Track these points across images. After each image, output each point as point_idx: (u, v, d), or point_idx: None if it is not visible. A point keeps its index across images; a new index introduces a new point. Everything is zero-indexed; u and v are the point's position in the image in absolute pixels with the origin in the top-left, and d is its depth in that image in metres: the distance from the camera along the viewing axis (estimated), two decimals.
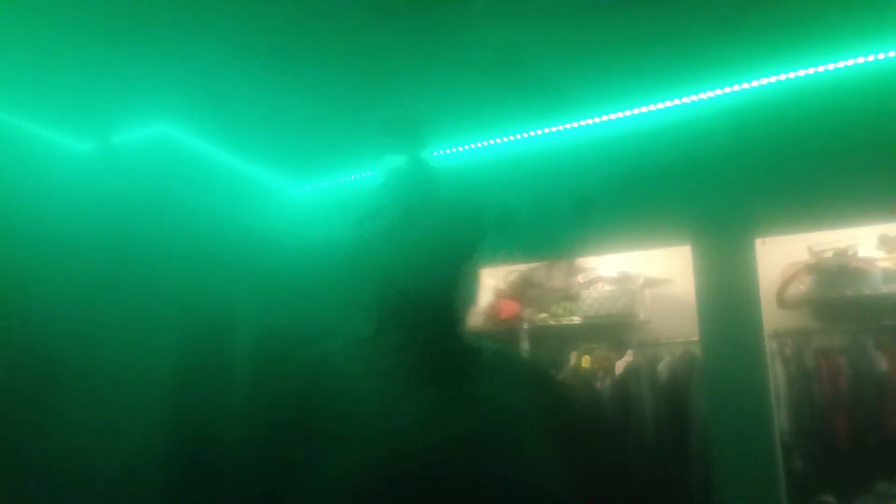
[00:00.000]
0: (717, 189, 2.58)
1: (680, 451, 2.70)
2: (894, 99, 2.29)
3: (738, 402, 2.43)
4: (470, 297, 0.95)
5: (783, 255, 2.78)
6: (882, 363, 2.48)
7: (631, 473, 2.76)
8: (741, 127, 2.54)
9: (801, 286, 2.71)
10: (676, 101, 2.65)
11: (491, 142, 3.03)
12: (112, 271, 2.63)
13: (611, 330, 3.16)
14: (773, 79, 2.47)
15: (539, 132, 2.93)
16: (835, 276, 2.63)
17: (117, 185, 2.78)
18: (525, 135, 2.96)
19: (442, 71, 2.37)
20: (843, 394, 2.52)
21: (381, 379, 0.88)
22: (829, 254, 2.69)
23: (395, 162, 0.95)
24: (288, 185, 3.54)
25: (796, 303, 2.73)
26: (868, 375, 2.49)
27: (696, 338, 2.63)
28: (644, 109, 2.72)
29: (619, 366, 3.02)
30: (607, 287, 3.16)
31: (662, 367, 2.89)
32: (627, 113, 2.75)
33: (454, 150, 3.09)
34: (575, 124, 2.85)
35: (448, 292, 0.92)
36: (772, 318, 2.63)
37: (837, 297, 2.62)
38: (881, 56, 2.31)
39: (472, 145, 3.07)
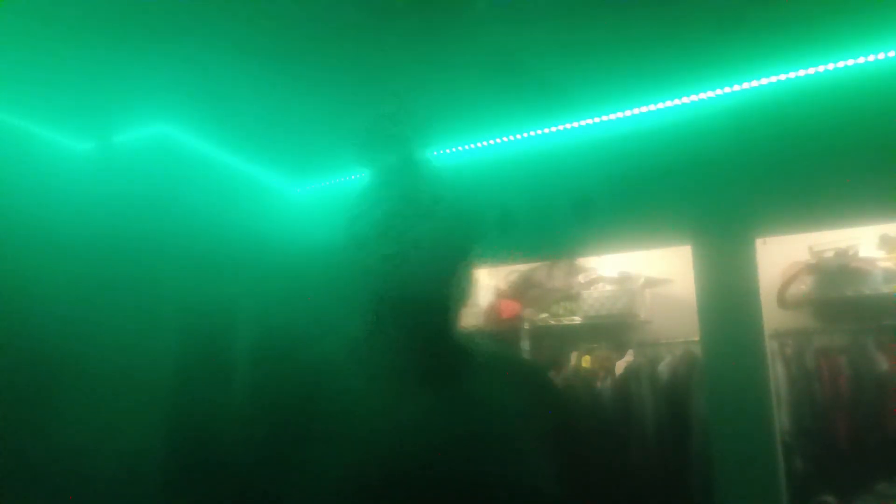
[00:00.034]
0: (718, 189, 2.58)
1: (680, 451, 2.70)
2: (894, 99, 2.29)
3: (738, 402, 2.43)
4: (465, 297, 0.95)
5: (784, 255, 2.78)
6: (882, 363, 2.48)
7: (631, 473, 2.76)
8: (741, 127, 2.54)
9: (802, 286, 2.71)
10: (676, 101, 2.65)
11: (491, 142, 3.03)
12: (112, 271, 2.63)
13: (611, 330, 3.16)
14: (773, 79, 2.46)
15: (539, 132, 2.93)
16: (835, 275, 2.63)
17: (117, 185, 2.78)
18: (525, 135, 2.96)
19: (442, 71, 2.37)
20: (843, 394, 2.52)
21: (379, 379, 0.88)
22: (830, 254, 2.69)
23: (385, 161, 0.96)
24: (288, 185, 3.54)
25: (797, 303, 2.73)
26: (868, 375, 2.49)
27: (696, 338, 2.63)
28: (644, 109, 2.72)
29: (620, 366, 3.02)
30: (608, 287, 3.16)
31: (663, 367, 2.89)
32: (627, 113, 2.75)
33: (454, 150, 3.09)
34: (575, 124, 2.85)
35: (442, 291, 0.92)
36: (772, 318, 2.62)
37: (838, 297, 2.62)
38: (881, 56, 2.31)
39: (472, 145, 3.07)
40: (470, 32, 2.14)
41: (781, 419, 2.52)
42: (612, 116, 2.78)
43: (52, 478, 2.30)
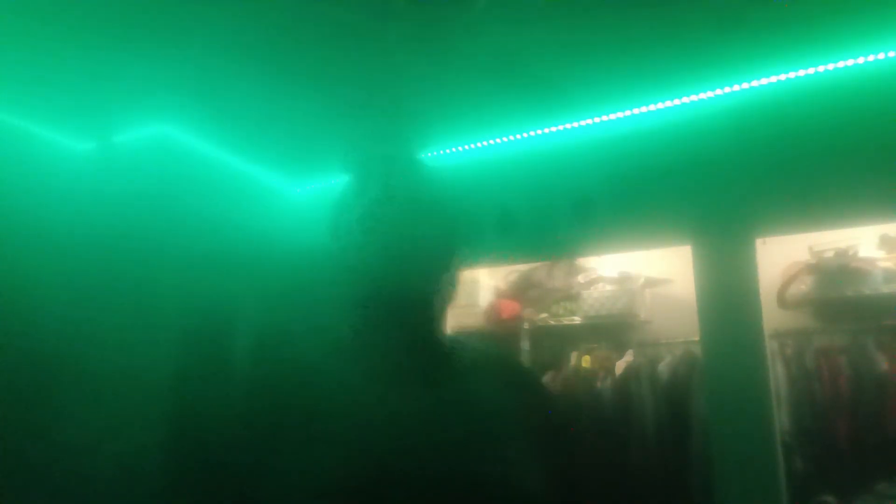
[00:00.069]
0: (718, 189, 2.58)
1: (680, 451, 2.70)
2: (894, 99, 2.29)
3: (738, 403, 2.43)
4: (452, 296, 0.95)
5: (784, 255, 2.78)
6: (882, 363, 2.48)
7: (631, 473, 2.76)
8: (741, 127, 2.54)
9: (802, 286, 2.71)
10: (676, 101, 2.65)
11: (491, 142, 3.03)
12: (111, 271, 2.63)
13: (611, 330, 3.16)
14: (773, 79, 2.46)
15: (539, 132, 2.93)
16: (835, 276, 2.63)
17: (117, 184, 2.78)
18: (525, 135, 2.96)
19: (442, 71, 2.37)
20: (843, 394, 2.52)
21: (377, 379, 0.88)
22: (830, 254, 2.69)
23: (371, 165, 0.96)
24: (288, 185, 3.54)
25: (797, 303, 2.73)
26: (868, 375, 2.49)
27: (696, 338, 2.63)
28: (644, 109, 2.71)
29: (620, 366, 3.02)
30: (608, 287, 3.16)
31: (663, 367, 2.89)
32: (627, 113, 2.75)
33: (454, 150, 3.09)
34: (575, 124, 2.85)
35: (428, 291, 0.92)
36: (772, 318, 2.62)
37: (838, 297, 2.62)
38: (881, 56, 2.31)
39: (472, 145, 3.07)
40: (470, 32, 2.14)
41: (781, 419, 2.52)
42: (612, 116, 2.78)
43: (52, 478, 2.30)
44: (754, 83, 2.50)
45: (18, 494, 2.27)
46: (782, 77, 2.45)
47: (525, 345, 3.29)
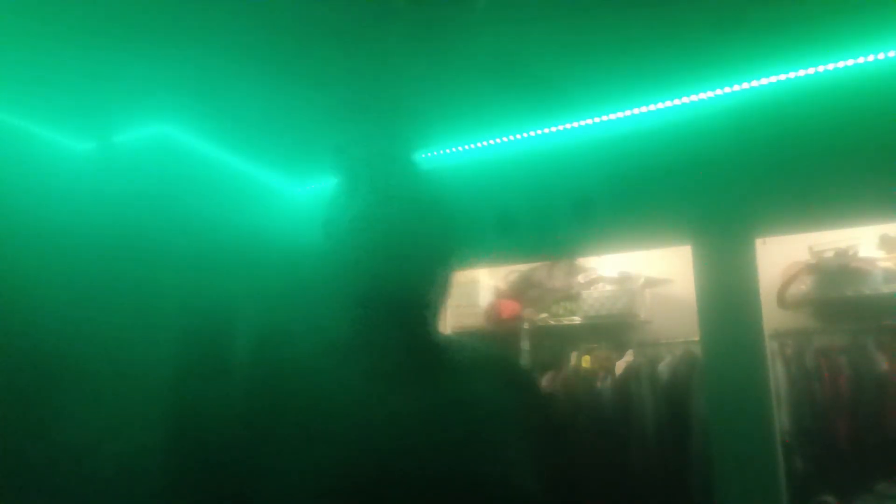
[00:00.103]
0: (717, 189, 2.58)
1: (680, 451, 2.70)
2: (894, 99, 2.29)
3: (738, 403, 2.43)
4: (447, 296, 0.95)
5: (784, 255, 2.78)
6: (882, 363, 2.49)
7: (631, 473, 2.76)
8: (741, 127, 2.54)
9: (802, 286, 2.72)
10: (676, 101, 2.65)
11: (491, 142, 3.03)
12: (111, 271, 2.63)
13: (611, 330, 3.16)
14: (773, 79, 2.46)
15: (539, 132, 2.93)
16: (835, 276, 2.63)
17: (117, 185, 2.78)
18: (525, 135, 2.96)
19: (442, 71, 2.37)
20: (843, 394, 2.52)
21: (374, 379, 0.88)
22: (830, 254, 2.70)
23: (364, 165, 0.96)
24: (288, 185, 3.54)
25: (797, 303, 2.73)
26: (868, 375, 2.49)
27: (696, 338, 2.63)
28: (644, 109, 2.71)
29: (620, 366, 3.02)
30: (608, 287, 3.16)
31: (663, 367, 2.89)
32: (627, 113, 2.75)
33: (454, 150, 3.09)
34: (575, 124, 2.85)
35: (423, 291, 0.92)
36: (772, 318, 2.63)
37: (838, 297, 2.62)
38: (881, 56, 2.31)
39: (472, 145, 3.07)
40: (470, 32, 2.14)
41: (781, 419, 2.52)
42: (612, 116, 2.78)
43: (52, 478, 2.30)
44: (754, 83, 2.50)
45: (18, 494, 2.27)
46: (782, 77, 2.45)
47: (525, 345, 3.29)
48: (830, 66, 2.37)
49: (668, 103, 2.66)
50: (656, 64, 2.37)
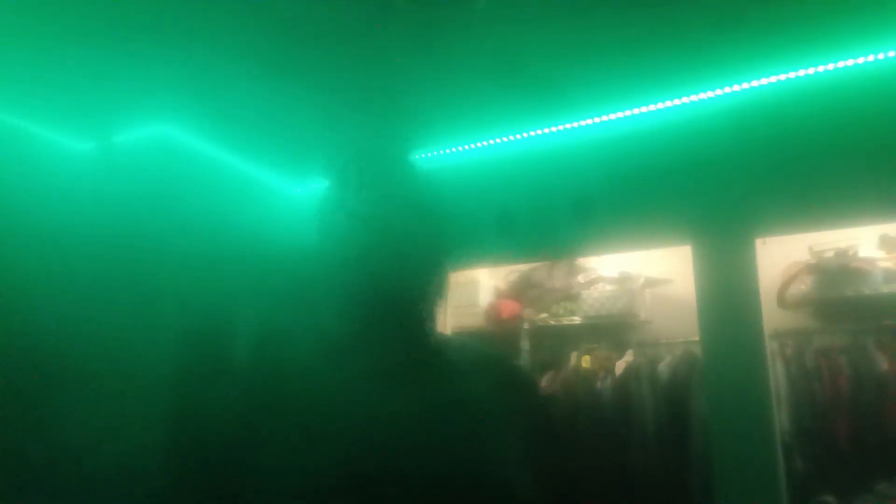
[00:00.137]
0: (717, 189, 2.58)
1: (680, 451, 2.70)
2: (894, 99, 2.29)
3: (738, 402, 2.43)
4: (442, 296, 0.95)
5: (783, 255, 2.78)
6: (882, 363, 2.49)
7: (631, 473, 2.76)
8: (741, 127, 2.54)
9: (802, 286, 2.72)
10: (676, 101, 2.65)
11: (491, 142, 3.03)
12: (112, 271, 2.63)
13: (611, 330, 3.16)
14: (773, 79, 2.46)
15: (539, 132, 2.93)
16: (835, 276, 2.63)
17: (117, 185, 2.78)
18: (525, 135, 2.96)
19: (442, 71, 2.37)
20: (843, 394, 2.52)
21: (370, 379, 0.88)
22: (830, 254, 2.70)
23: (358, 165, 0.96)
24: (288, 185, 3.54)
25: (797, 303, 2.74)
26: (868, 375, 2.49)
27: (696, 338, 2.63)
28: (644, 109, 2.71)
29: (620, 366, 3.02)
30: (608, 287, 3.16)
31: (663, 367, 2.89)
32: (627, 113, 2.75)
33: (454, 150, 3.09)
34: (575, 124, 2.85)
35: (417, 291, 0.93)
36: (772, 318, 2.63)
37: (838, 297, 2.62)
38: (881, 56, 2.31)
39: (472, 145, 3.07)
40: (470, 32, 2.14)
41: (781, 419, 2.52)
42: (612, 116, 2.77)
43: (52, 478, 2.30)
44: (754, 83, 2.50)
45: (18, 494, 2.27)
46: (782, 77, 2.45)
47: (525, 345, 3.29)
48: (830, 66, 2.37)
49: (668, 103, 2.66)
50: (656, 64, 2.37)
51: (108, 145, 2.92)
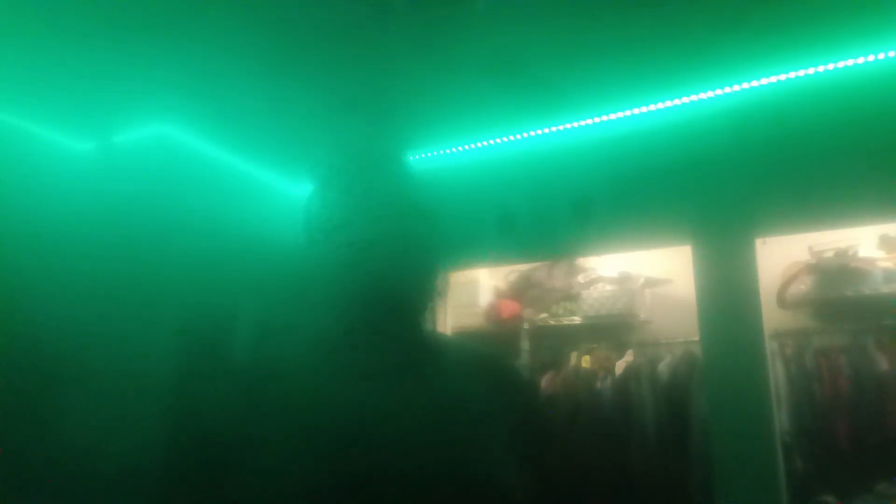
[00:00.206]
0: (717, 189, 2.58)
1: (680, 451, 2.70)
2: (894, 99, 2.29)
3: (738, 402, 2.43)
4: (436, 296, 0.95)
5: (783, 255, 2.78)
6: (882, 363, 2.49)
7: (631, 473, 2.76)
8: (741, 127, 2.54)
9: (802, 286, 2.72)
10: (676, 101, 2.65)
11: (491, 142, 3.03)
12: (112, 271, 2.63)
13: (611, 330, 3.16)
14: (773, 79, 2.46)
15: (539, 132, 2.93)
16: (835, 276, 2.63)
17: (117, 185, 2.78)
18: (525, 135, 2.96)
19: (442, 71, 2.37)
20: (843, 394, 2.52)
21: (367, 379, 0.88)
22: (830, 254, 2.70)
23: (351, 165, 0.96)
24: (288, 185, 3.54)
25: (797, 303, 2.73)
26: (868, 375, 2.49)
27: (696, 338, 2.63)
28: (644, 109, 2.71)
29: (620, 366, 3.02)
30: (608, 287, 3.16)
31: (663, 367, 2.89)
32: (627, 113, 2.75)
33: (454, 150, 3.09)
34: (575, 124, 2.85)
35: (411, 291, 0.93)
36: (772, 318, 2.63)
37: (838, 297, 2.62)
38: (881, 56, 2.31)
39: (472, 145, 3.07)
40: (470, 32, 2.14)
41: (781, 419, 2.52)
42: (612, 116, 2.78)
43: (53, 478, 2.30)
44: (754, 83, 2.50)
45: (19, 494, 2.27)
46: (782, 77, 2.45)
47: (525, 345, 3.29)
48: (830, 66, 2.37)
49: (668, 103, 2.66)
50: (656, 64, 2.37)
51: (107, 145, 2.92)
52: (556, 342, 3.26)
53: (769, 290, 2.66)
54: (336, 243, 0.90)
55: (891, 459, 2.32)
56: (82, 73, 2.36)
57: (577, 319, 3.19)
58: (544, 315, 3.29)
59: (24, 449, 2.34)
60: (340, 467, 0.81)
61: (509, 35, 2.16)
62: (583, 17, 2.06)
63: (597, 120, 2.81)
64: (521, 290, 3.40)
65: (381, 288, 0.89)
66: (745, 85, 2.51)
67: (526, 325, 3.29)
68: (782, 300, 2.74)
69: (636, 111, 2.73)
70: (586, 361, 3.12)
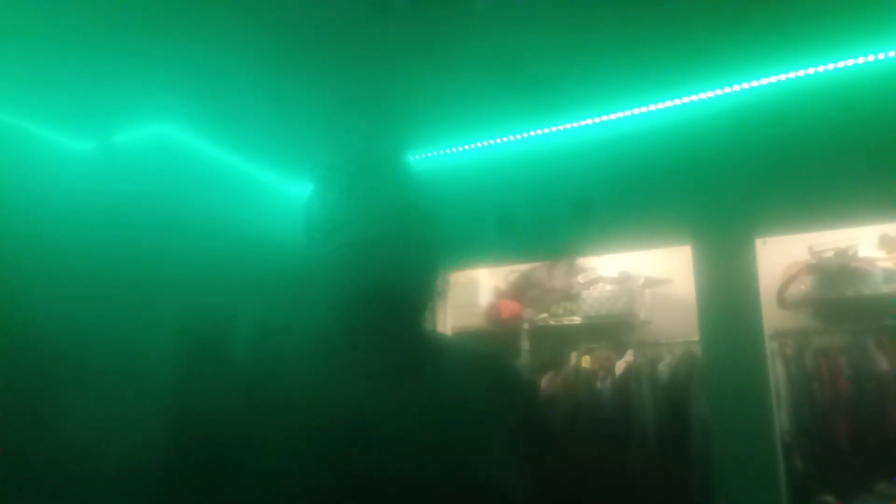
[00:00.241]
0: (717, 189, 2.58)
1: (680, 451, 2.70)
2: (894, 99, 2.29)
3: (738, 402, 2.43)
4: (435, 296, 0.95)
5: (783, 255, 2.78)
6: (882, 363, 2.49)
7: (631, 473, 2.76)
8: (741, 127, 2.54)
9: (802, 286, 2.72)
10: (676, 101, 2.65)
11: (491, 142, 3.03)
12: (112, 271, 2.63)
13: (611, 330, 3.16)
14: (773, 79, 2.46)
15: (539, 132, 2.93)
16: (835, 276, 2.63)
17: (117, 185, 2.78)
18: (525, 135, 2.96)
19: (442, 71, 2.37)
20: (843, 394, 2.52)
21: (365, 379, 0.88)
22: (830, 254, 2.70)
23: (349, 165, 0.96)
24: (288, 185, 3.54)
25: (797, 303, 2.73)
26: (868, 375, 2.49)
27: (696, 338, 2.63)
28: (644, 109, 2.71)
29: (620, 366, 3.02)
30: (608, 287, 3.16)
31: (663, 367, 2.89)
32: (627, 113, 2.75)
33: (454, 150, 3.09)
34: (575, 124, 2.85)
35: (409, 291, 0.92)
36: (772, 318, 2.63)
37: (838, 297, 2.62)
38: (881, 56, 2.31)
39: (472, 145, 3.07)
40: (470, 32, 2.14)
41: (781, 419, 2.52)
42: (612, 116, 2.78)
43: (53, 478, 2.30)
44: (754, 83, 2.50)
45: (19, 494, 2.27)
46: (782, 77, 2.45)
47: (525, 345, 3.29)
48: (830, 66, 2.37)
49: (668, 103, 2.66)
50: (656, 64, 2.37)
51: (107, 145, 2.92)
52: (556, 342, 3.26)
53: (769, 290, 2.66)
54: (336, 243, 0.90)
55: (891, 459, 2.32)
56: (82, 73, 2.36)
57: (577, 319, 3.19)
58: (544, 315, 3.29)
59: (24, 449, 2.34)
60: (340, 467, 0.81)
61: (509, 35, 2.16)
62: (583, 17, 2.06)
63: (597, 120, 2.81)
64: (521, 290, 3.40)
65: (382, 288, 0.89)
66: (745, 85, 2.51)
67: (526, 325, 3.29)
68: (782, 300, 2.74)
69: (636, 111, 2.73)
70: (586, 361, 3.12)
